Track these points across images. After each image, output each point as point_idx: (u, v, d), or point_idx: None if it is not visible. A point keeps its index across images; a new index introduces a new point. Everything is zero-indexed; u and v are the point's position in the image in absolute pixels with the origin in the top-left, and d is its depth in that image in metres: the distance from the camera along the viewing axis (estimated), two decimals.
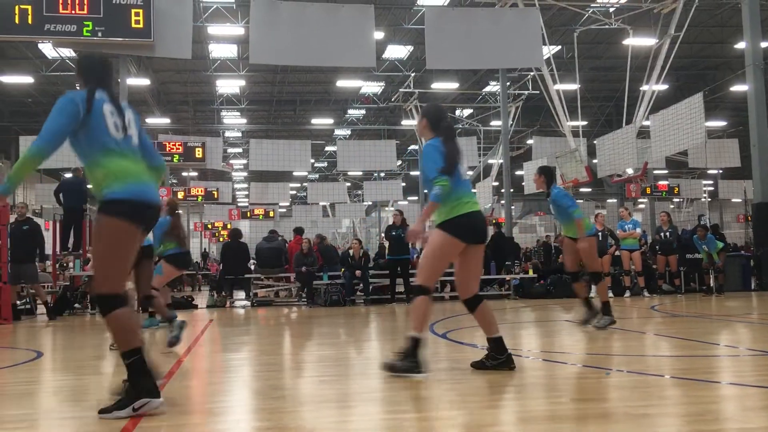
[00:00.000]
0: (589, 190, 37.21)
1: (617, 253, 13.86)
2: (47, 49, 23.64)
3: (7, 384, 5.00)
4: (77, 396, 4.44)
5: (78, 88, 4.00)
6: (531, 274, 15.36)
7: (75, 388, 4.74)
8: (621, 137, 19.86)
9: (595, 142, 22.31)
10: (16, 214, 11.84)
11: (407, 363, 4.55)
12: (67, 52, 24.22)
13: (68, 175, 14.17)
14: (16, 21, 12.80)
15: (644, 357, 5.88)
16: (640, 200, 37.35)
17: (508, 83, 24.19)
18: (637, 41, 19.95)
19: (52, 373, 5.64)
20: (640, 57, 19.67)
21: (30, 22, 12.86)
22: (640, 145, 19.48)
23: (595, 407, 3.74)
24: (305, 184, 39.23)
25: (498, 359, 4.76)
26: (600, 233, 14.12)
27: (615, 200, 35.05)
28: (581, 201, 34.35)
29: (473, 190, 5.02)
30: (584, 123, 24.55)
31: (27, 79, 26.53)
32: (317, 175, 44.83)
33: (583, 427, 3.29)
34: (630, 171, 20.65)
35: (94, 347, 7.37)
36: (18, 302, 12.23)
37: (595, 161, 22.79)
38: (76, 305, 12.97)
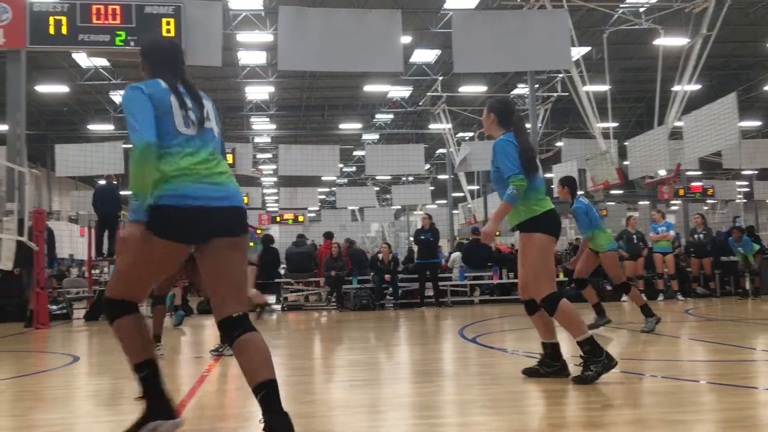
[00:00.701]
0: (621, 192, 36.74)
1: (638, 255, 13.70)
2: (81, 58, 24.10)
3: (44, 388, 5.11)
4: (112, 400, 4.51)
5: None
6: (561, 277, 15.20)
7: (110, 392, 4.82)
8: (653, 138, 19.57)
9: (626, 143, 22.01)
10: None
11: (597, 367, 4.37)
12: (101, 62, 24.68)
13: (102, 182, 14.44)
14: (51, 32, 13.08)
15: (679, 362, 5.79)
16: (672, 202, 36.75)
17: (537, 85, 24.03)
18: (669, 41, 19.66)
19: (88, 377, 5.74)
20: (672, 57, 19.36)
21: (64, 32, 13.12)
22: (672, 146, 19.16)
23: (628, 413, 3.69)
24: (334, 188, 39.36)
25: (553, 366, 4.66)
26: (634, 236, 13.95)
27: (647, 202, 34.56)
28: (612, 203, 33.96)
29: None
30: (615, 124, 24.22)
31: (62, 89, 27.08)
32: (346, 180, 44.97)
33: None
34: (662, 172, 20.32)
35: None
36: (55, 307, 12.48)
37: (626, 163, 22.48)
38: None
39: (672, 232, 13.98)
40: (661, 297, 13.86)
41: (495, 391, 4.34)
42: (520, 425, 3.51)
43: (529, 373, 4.67)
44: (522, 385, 4.55)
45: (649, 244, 13.89)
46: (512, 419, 3.62)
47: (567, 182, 7.72)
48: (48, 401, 4.52)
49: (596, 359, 4.33)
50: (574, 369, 4.73)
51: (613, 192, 33.69)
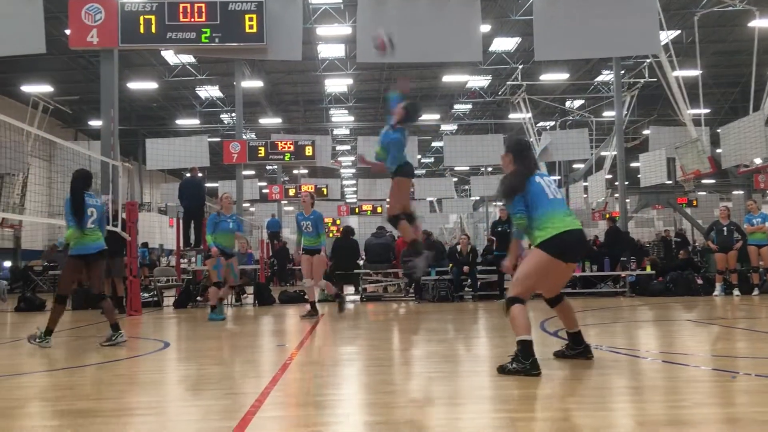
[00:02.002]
0: (713, 181, 35.14)
1: (733, 247, 13.05)
2: (169, 55, 25.03)
3: (138, 372, 5.35)
4: (200, 385, 4.68)
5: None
6: (649, 270, 14.70)
7: (198, 377, 5.00)
8: (747, 125, 18.62)
9: (719, 130, 21.04)
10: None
11: (518, 366, 4.65)
12: (187, 58, 25.56)
13: (188, 175, 14.98)
14: (141, 30, 13.63)
15: None
16: None
17: (623, 71, 23.21)
18: (764, 23, 18.61)
19: (177, 363, 5.98)
20: None
21: (153, 31, 13.65)
22: None
23: (719, 412, 3.54)
24: (412, 179, 39.40)
25: (576, 349, 5.17)
26: (725, 227, 13.33)
27: (741, 192, 32.89)
28: (703, 194, 32.57)
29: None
30: (707, 111, 23.18)
31: (151, 85, 28.21)
32: (424, 171, 44.91)
33: None
34: (758, 161, 19.34)
35: (215, 338, 7.75)
36: (146, 295, 13.06)
37: (719, 151, 21.50)
38: (198, 298, 13.68)
39: None
40: (756, 291, 13.18)
41: (577, 386, 4.25)
42: (603, 421, 3.42)
43: (558, 354, 5.23)
44: (606, 380, 4.43)
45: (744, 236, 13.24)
46: (596, 415, 3.53)
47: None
48: (141, 385, 4.74)
49: (523, 361, 4.59)
50: (597, 352, 5.27)
51: (704, 181, 32.29)
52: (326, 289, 10.54)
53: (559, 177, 30.84)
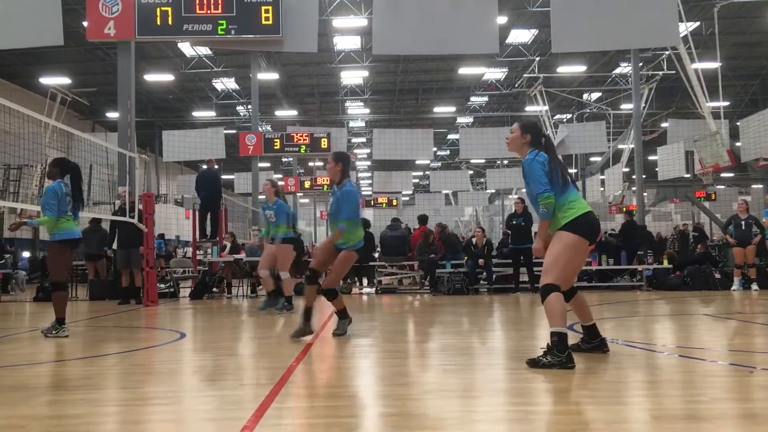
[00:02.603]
0: (732, 175, 34.75)
1: (751, 241, 12.90)
2: (186, 47, 25.13)
3: (155, 362, 5.40)
4: (216, 375, 4.71)
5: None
6: (666, 264, 14.59)
7: (214, 368, 5.03)
8: (767, 118, 18.39)
9: (738, 123, 20.81)
10: (121, 203, 12.58)
11: (553, 359, 4.55)
12: (203, 50, 25.64)
13: (204, 167, 15.04)
14: (158, 22, 13.70)
15: None
16: None
17: (641, 64, 23.01)
18: None
19: (193, 353, 6.02)
20: None
21: (170, 22, 13.72)
22: None
23: (736, 407, 3.51)
24: (428, 172, 39.37)
25: (591, 343, 5.10)
26: (743, 222, 13.19)
27: (761, 186, 32.55)
28: (722, 187, 32.20)
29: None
30: (726, 103, 22.93)
31: (168, 77, 28.36)
32: (440, 164, 44.83)
33: (723, 428, 3.09)
34: None
35: (231, 329, 7.80)
36: (163, 286, 13.16)
37: (738, 144, 21.26)
38: (214, 289, 13.77)
39: None
40: None
41: (593, 379, 4.23)
42: (619, 416, 3.40)
43: (573, 348, 4.91)
44: (622, 374, 4.41)
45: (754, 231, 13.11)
46: (611, 409, 3.51)
47: (341, 158, 6.85)
48: (158, 375, 4.78)
49: (558, 354, 4.51)
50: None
51: (723, 175, 31.95)
52: (284, 288, 9.69)
53: (576, 170, 30.66)
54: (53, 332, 6.89)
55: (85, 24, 15.01)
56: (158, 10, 13.66)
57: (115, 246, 12.48)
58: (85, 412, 3.62)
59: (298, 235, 11.27)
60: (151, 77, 28.00)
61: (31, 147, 17.26)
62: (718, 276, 13.74)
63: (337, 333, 6.61)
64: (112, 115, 28.96)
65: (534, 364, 4.56)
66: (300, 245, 12.08)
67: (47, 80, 25.19)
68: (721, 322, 7.65)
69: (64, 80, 25.83)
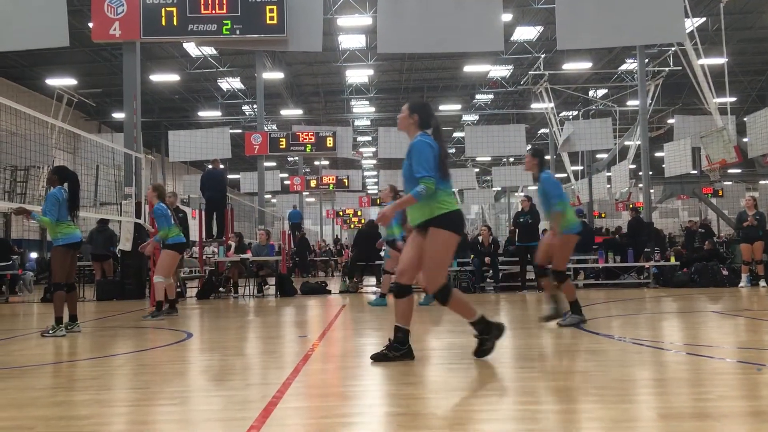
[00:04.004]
0: (739, 171, 34.64)
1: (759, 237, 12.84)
2: (191, 47, 25.18)
3: (162, 363, 5.41)
4: (223, 375, 4.72)
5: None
6: (673, 261, 14.54)
7: (220, 368, 5.04)
8: None
9: (745, 119, 20.70)
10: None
11: (490, 339, 4.95)
12: (209, 50, 25.68)
13: (209, 167, 15.07)
14: (163, 23, 13.72)
15: None
16: None
17: (647, 60, 22.91)
18: None
19: (200, 353, 6.03)
20: None
21: (175, 23, 13.73)
22: None
23: (744, 405, 3.49)
24: None
25: (401, 350, 4.91)
26: (750, 218, 13.13)
27: None
28: (729, 183, 32.09)
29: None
30: (733, 99, 22.84)
31: (173, 77, 28.41)
32: None
33: (731, 426, 3.08)
34: None
35: (237, 329, 7.81)
36: None
37: (745, 140, 21.17)
38: (221, 289, 13.80)
39: None
40: None
41: (600, 378, 4.21)
42: (626, 414, 3.39)
43: (377, 358, 4.91)
44: (629, 372, 4.39)
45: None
46: (618, 408, 3.50)
47: (537, 153, 7.09)
48: (165, 375, 4.79)
49: (490, 334, 4.84)
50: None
51: (730, 171, 31.83)
52: (157, 292, 9.20)
53: (582, 167, 30.58)
54: (51, 332, 7.03)
55: (90, 25, 15.06)
56: (163, 10, 13.68)
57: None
58: (93, 412, 3.63)
59: (303, 234, 11.28)
60: (156, 77, 28.06)
61: (38, 148, 17.33)
62: (725, 273, 13.69)
63: (562, 323, 6.85)
64: (118, 115, 29.03)
65: (484, 353, 4.92)
66: (305, 244, 12.07)
67: (53, 81, 25.28)
68: (729, 319, 7.62)
69: (70, 81, 25.91)
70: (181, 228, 11.65)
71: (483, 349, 4.94)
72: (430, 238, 4.73)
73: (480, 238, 14.23)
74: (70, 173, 7.51)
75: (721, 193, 29.61)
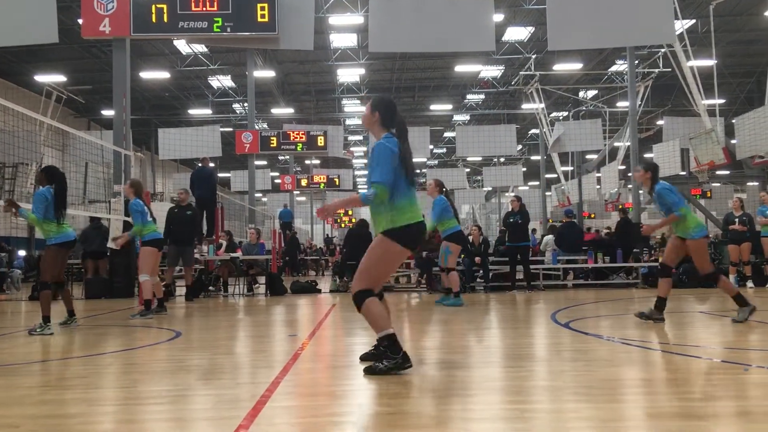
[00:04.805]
0: (727, 172, 34.89)
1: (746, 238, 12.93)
2: (181, 45, 25.07)
3: (150, 362, 5.39)
4: (212, 374, 4.71)
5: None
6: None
7: (209, 367, 5.03)
8: (763, 115, 18.42)
9: (733, 121, 20.85)
10: (178, 200, 12.71)
11: (390, 363, 4.34)
12: (199, 48, 25.58)
13: (199, 165, 15.02)
14: (153, 20, 13.66)
15: None
16: None
17: (637, 61, 23.02)
18: None
19: (189, 352, 6.01)
20: None
21: (165, 20, 13.67)
22: None
23: (731, 405, 3.52)
24: (424, 170, 39.34)
25: (394, 358, 4.41)
26: (737, 219, 13.21)
27: (756, 184, 32.67)
28: (717, 185, 32.31)
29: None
30: (722, 101, 23.00)
31: (164, 75, 28.28)
32: (436, 161, 44.81)
33: (718, 426, 3.10)
34: None
35: (227, 328, 7.79)
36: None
37: (733, 142, 21.31)
38: (211, 288, 13.75)
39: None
40: None
41: (588, 378, 4.23)
42: (614, 413, 3.41)
43: (365, 357, 4.78)
44: (617, 372, 4.42)
45: (756, 228, 13.13)
46: (606, 407, 3.52)
47: (651, 167, 7.26)
48: (153, 374, 4.77)
49: (392, 356, 4.32)
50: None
51: (718, 173, 32.05)
52: (144, 291, 9.12)
53: (572, 168, 30.67)
54: (38, 330, 7.03)
55: (80, 21, 14.97)
56: (153, 7, 13.62)
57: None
58: (81, 411, 3.62)
59: (294, 233, 11.23)
60: (146, 75, 27.93)
61: (26, 145, 17.23)
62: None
63: (737, 320, 6.86)
64: (108, 112, 28.86)
65: (371, 372, 4.36)
66: (295, 244, 12.02)
67: (42, 78, 25.11)
68: (716, 320, 7.67)
69: (60, 78, 25.75)
70: (186, 226, 11.66)
71: (372, 366, 4.41)
72: (378, 242, 4.47)
73: (470, 238, 14.25)
74: (57, 174, 7.54)
75: (709, 194, 29.80)
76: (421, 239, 4.58)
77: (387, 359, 4.33)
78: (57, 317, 7.62)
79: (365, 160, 43.27)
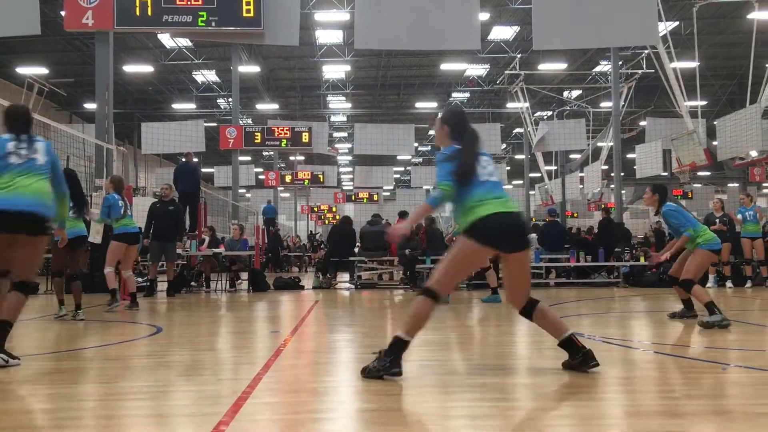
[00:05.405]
0: (708, 174, 35.21)
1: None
2: (165, 38, 24.86)
3: (130, 357, 5.34)
4: (193, 370, 4.67)
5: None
6: (643, 261, 14.74)
7: (190, 363, 5.00)
8: (744, 118, 18.63)
9: (715, 123, 21.06)
10: (161, 195, 12.59)
11: (381, 365, 4.11)
12: (184, 42, 25.39)
13: (183, 160, 14.92)
14: (137, 13, 13.51)
15: (765, 352, 5.53)
16: (764, 185, 35.00)
17: (621, 62, 23.20)
18: (763, 15, 18.58)
19: (169, 348, 5.97)
20: (766, 32, 18.32)
21: (149, 13, 13.53)
22: (765, 126, 18.20)
23: (709, 404, 3.55)
24: (409, 167, 39.37)
25: (576, 358, 4.27)
26: (718, 219, 13.35)
27: (737, 185, 33.04)
28: (698, 186, 32.60)
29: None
30: (704, 103, 23.19)
31: (147, 68, 28.03)
32: (421, 159, 44.85)
33: (697, 424, 3.13)
34: (754, 154, 19.38)
35: (209, 324, 7.74)
36: (140, 279, 13.03)
37: (715, 143, 21.53)
38: (193, 283, 13.67)
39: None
40: (749, 284, 13.26)
41: (570, 376, 4.25)
42: (594, 411, 3.43)
43: (566, 365, 4.36)
44: (598, 371, 4.44)
45: (736, 228, 13.28)
46: (587, 405, 3.55)
47: (659, 190, 7.26)
48: (133, 370, 4.73)
49: (388, 360, 4.07)
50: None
51: (699, 174, 32.36)
52: (107, 280, 9.22)
53: (556, 167, 30.83)
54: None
55: (62, 13, 14.79)
56: (137, 0, 13.48)
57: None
58: (59, 407, 3.58)
59: (277, 229, 11.15)
60: (129, 68, 27.66)
61: None
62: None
63: (703, 323, 6.66)
64: (90, 106, 28.56)
65: (364, 371, 4.18)
66: (277, 240, 11.95)
67: (24, 70, 24.77)
68: (696, 320, 7.73)
69: (41, 70, 25.42)
70: (168, 221, 11.57)
71: (370, 365, 4.18)
72: (456, 243, 4.38)
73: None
74: (71, 174, 7.98)
75: (690, 195, 30.10)
76: (506, 231, 4.20)
77: (379, 359, 4.14)
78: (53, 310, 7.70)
79: (350, 157, 43.23)
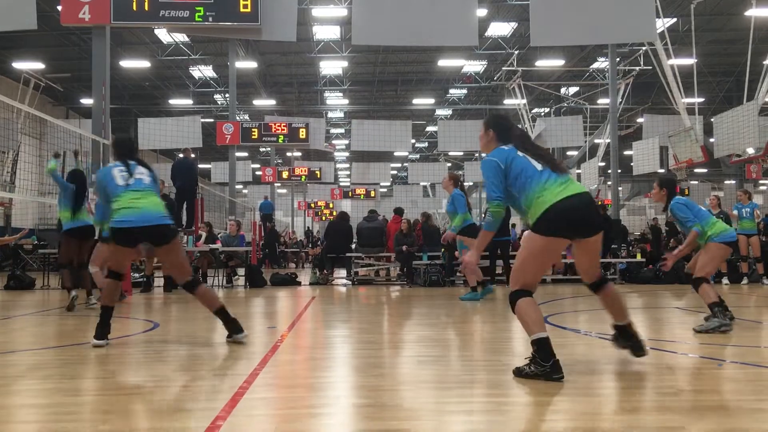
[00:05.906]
0: (705, 170, 35.28)
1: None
2: (162, 34, 24.79)
3: (127, 353, 5.34)
4: (190, 366, 4.68)
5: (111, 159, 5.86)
6: (639, 258, 14.77)
7: (187, 358, 5.00)
8: (741, 114, 18.67)
9: (712, 120, 21.11)
10: None
11: (537, 369, 4.00)
12: (181, 37, 25.33)
13: (180, 156, 14.90)
14: (134, 8, 13.48)
15: (761, 348, 5.55)
16: (761, 182, 35.08)
17: (618, 59, 23.19)
18: (761, 12, 18.59)
19: (166, 343, 5.97)
20: (764, 29, 18.34)
21: (146, 8, 13.50)
22: (762, 123, 18.26)
23: (706, 399, 3.57)
24: (406, 164, 39.36)
25: (542, 366, 4.06)
26: (714, 216, 13.38)
27: (733, 182, 33.12)
28: (695, 182, 32.67)
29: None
30: (701, 100, 23.24)
31: (144, 64, 27.96)
32: (418, 156, 44.85)
33: (693, 420, 3.14)
34: (750, 150, 19.43)
35: (205, 319, 7.74)
36: (137, 275, 13.03)
37: (711, 140, 21.58)
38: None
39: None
40: (745, 281, 13.29)
41: (565, 371, 4.26)
42: (590, 407, 3.44)
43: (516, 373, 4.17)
44: (594, 366, 4.46)
45: (733, 225, 13.30)
46: (583, 401, 3.56)
47: (666, 184, 6.88)
48: (129, 365, 4.73)
49: (542, 363, 3.96)
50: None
51: (696, 170, 32.42)
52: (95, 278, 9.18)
53: None
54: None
55: (59, 8, 14.74)
56: None
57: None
58: (57, 401, 3.58)
59: (273, 225, 11.15)
60: (126, 63, 27.59)
61: (4, 133, 16.97)
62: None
63: (698, 329, 6.27)
64: (87, 101, 28.49)
65: (518, 373, 4.07)
66: (274, 236, 11.94)
67: (20, 65, 24.72)
68: (692, 315, 7.76)
69: (38, 65, 25.36)
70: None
71: (520, 368, 4.10)
72: (524, 239, 4.31)
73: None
74: (79, 175, 9.00)
75: (687, 192, 30.16)
76: (574, 215, 4.04)
77: (535, 364, 3.97)
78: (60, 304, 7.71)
79: (347, 153, 43.21)
